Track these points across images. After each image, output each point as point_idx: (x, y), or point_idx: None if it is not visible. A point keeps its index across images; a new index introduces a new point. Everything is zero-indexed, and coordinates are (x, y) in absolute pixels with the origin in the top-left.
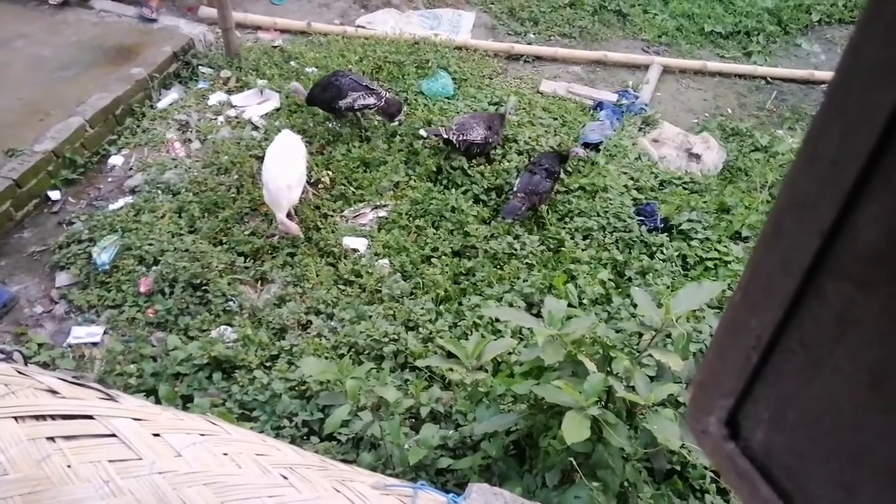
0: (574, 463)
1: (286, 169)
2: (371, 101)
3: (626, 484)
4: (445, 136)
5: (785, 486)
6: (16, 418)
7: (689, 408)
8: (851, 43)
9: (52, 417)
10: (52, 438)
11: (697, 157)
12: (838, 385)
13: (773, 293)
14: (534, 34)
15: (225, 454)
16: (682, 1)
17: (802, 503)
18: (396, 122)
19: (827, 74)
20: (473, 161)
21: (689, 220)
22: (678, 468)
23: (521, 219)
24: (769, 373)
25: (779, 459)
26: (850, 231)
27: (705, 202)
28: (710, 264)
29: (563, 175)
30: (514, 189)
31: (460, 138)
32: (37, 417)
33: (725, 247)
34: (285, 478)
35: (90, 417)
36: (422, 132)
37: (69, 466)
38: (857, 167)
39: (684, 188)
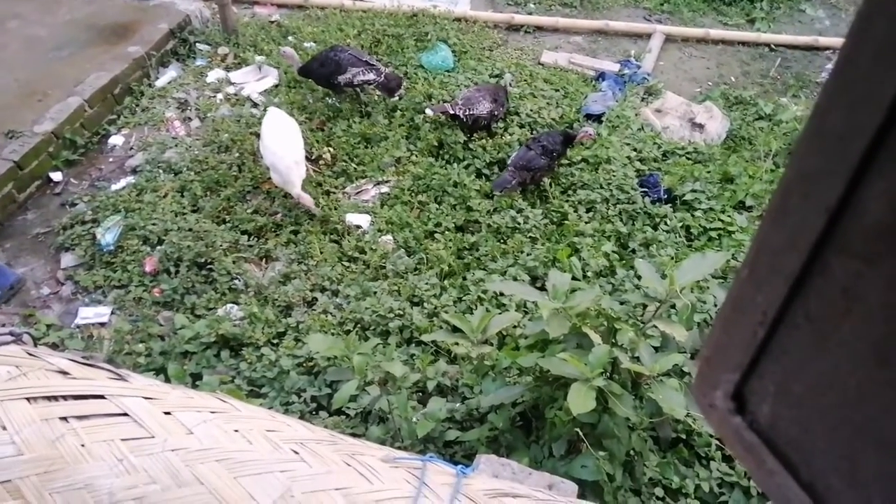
0: (580, 433)
1: (288, 146)
2: (371, 76)
3: (632, 453)
4: (452, 112)
5: (791, 459)
6: (28, 399)
7: (696, 382)
8: (859, 16)
9: (64, 398)
10: (64, 418)
11: (701, 126)
12: (843, 359)
13: (779, 269)
14: (534, 4)
15: (236, 431)
16: None
17: (808, 475)
18: (396, 98)
19: (831, 40)
20: (475, 135)
21: (693, 191)
22: (683, 436)
23: (510, 192)
24: (775, 347)
25: (784, 432)
26: (857, 207)
27: (709, 172)
28: (713, 234)
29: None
30: (508, 163)
31: (467, 113)
32: (49, 398)
33: (729, 216)
34: (296, 452)
35: (101, 397)
36: (427, 111)
37: (83, 445)
38: (864, 142)
39: (688, 158)
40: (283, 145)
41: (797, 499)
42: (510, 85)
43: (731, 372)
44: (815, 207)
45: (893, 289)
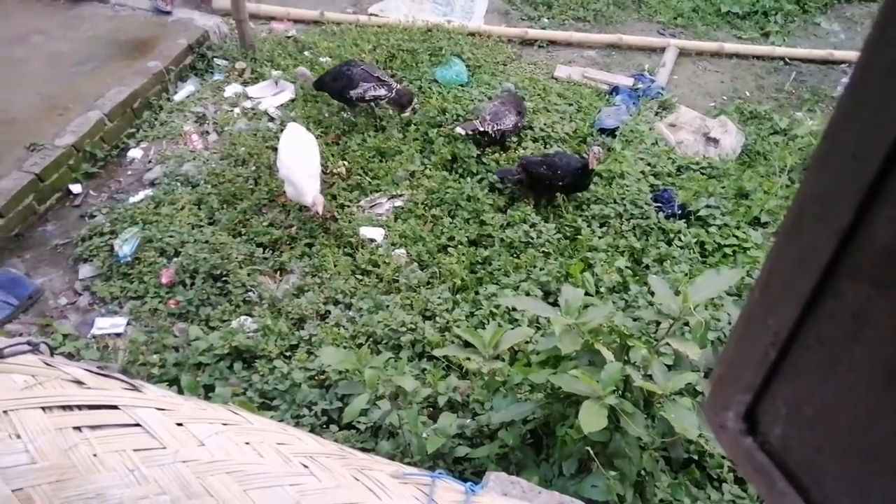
0: (591, 452)
1: (303, 160)
2: (382, 91)
3: (643, 473)
4: (482, 129)
5: (802, 481)
6: (43, 408)
7: (708, 402)
8: (874, 31)
9: (79, 408)
10: (78, 428)
11: (715, 141)
12: (854, 382)
13: (790, 291)
14: (547, 19)
15: (247, 443)
16: None
17: (819, 497)
18: (408, 113)
19: (847, 54)
20: (487, 149)
21: (707, 206)
22: (696, 457)
23: (509, 183)
24: (787, 369)
25: (796, 454)
26: (867, 231)
27: (723, 187)
28: (728, 251)
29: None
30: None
31: (496, 128)
32: (63, 408)
33: (744, 233)
34: (306, 466)
35: (115, 407)
36: (458, 130)
37: (95, 455)
38: (876, 164)
39: (702, 173)
40: (298, 159)
41: None
42: (513, 92)
43: (742, 392)
44: (827, 230)
45: None
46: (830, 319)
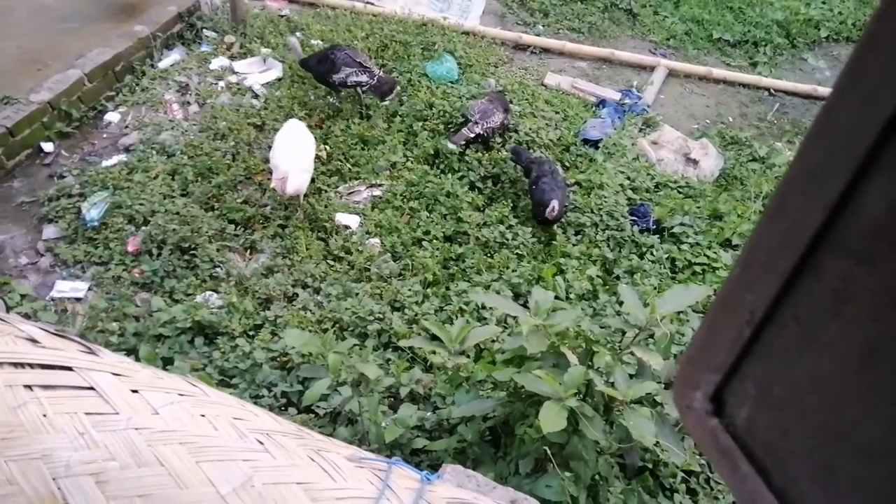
0: (548, 452)
1: (298, 154)
2: (363, 78)
3: (597, 477)
4: (473, 135)
5: (765, 464)
6: None
7: (676, 382)
8: (875, 16)
9: (31, 366)
10: (29, 387)
11: (695, 162)
12: (829, 361)
13: (771, 268)
14: (543, 26)
15: (202, 415)
16: (692, 5)
17: (781, 481)
18: (388, 102)
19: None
20: (470, 146)
21: (682, 224)
22: (650, 466)
23: (460, 143)
24: (760, 348)
25: (761, 437)
26: (855, 205)
27: (699, 207)
28: (698, 269)
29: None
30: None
31: (486, 127)
32: (15, 364)
33: (715, 253)
34: (261, 443)
35: (69, 369)
36: (450, 146)
37: (45, 416)
38: (869, 139)
39: (679, 192)
40: (294, 152)
41: None
42: (492, 88)
43: (712, 373)
44: (814, 205)
45: (883, 291)
46: (809, 297)
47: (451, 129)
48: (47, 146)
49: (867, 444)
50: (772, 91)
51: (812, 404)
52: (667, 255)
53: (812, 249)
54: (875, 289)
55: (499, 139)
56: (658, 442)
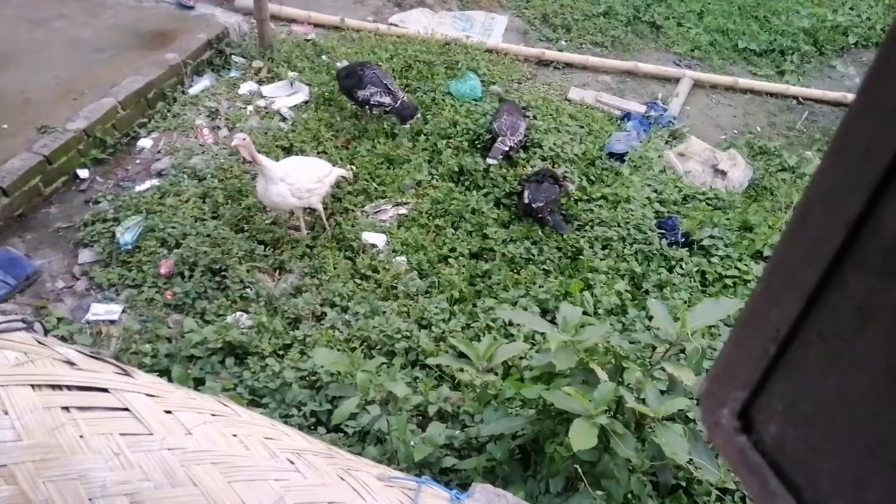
0: (579, 471)
1: (306, 170)
2: (386, 100)
3: (630, 495)
4: (507, 149)
5: (795, 481)
6: (32, 386)
7: (703, 400)
8: (890, 33)
9: (68, 388)
10: (66, 408)
11: (723, 173)
12: (855, 377)
13: (795, 285)
14: (565, 41)
15: (234, 435)
16: (717, 16)
17: (813, 497)
18: (408, 126)
19: None
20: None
21: (711, 237)
22: (683, 483)
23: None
24: (786, 365)
25: (790, 453)
26: (877, 222)
27: (728, 219)
28: (729, 282)
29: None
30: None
31: (517, 140)
32: (53, 387)
33: (746, 265)
34: (292, 462)
35: (104, 390)
36: (490, 162)
37: (81, 437)
38: (888, 157)
39: (708, 204)
40: (302, 163)
41: None
42: (500, 95)
43: (739, 390)
44: (836, 222)
45: None
46: (834, 313)
47: (478, 146)
48: (83, 172)
49: None
50: (800, 99)
51: (840, 420)
52: (696, 269)
53: (835, 266)
54: None
55: (523, 154)
56: (691, 459)
